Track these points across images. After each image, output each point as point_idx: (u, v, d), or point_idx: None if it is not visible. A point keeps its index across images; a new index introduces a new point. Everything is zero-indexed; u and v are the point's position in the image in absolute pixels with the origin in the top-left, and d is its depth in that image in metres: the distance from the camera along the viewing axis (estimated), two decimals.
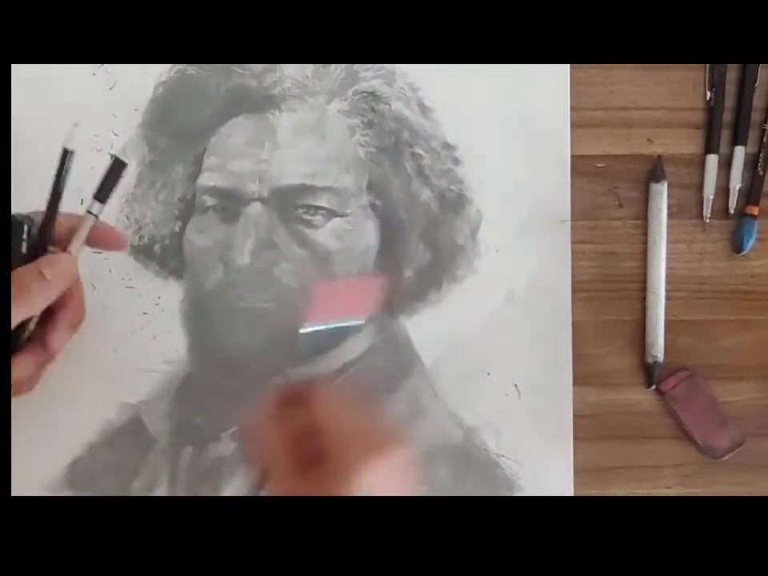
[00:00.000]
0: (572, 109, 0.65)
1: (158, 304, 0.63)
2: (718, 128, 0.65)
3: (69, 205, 0.57)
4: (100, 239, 0.58)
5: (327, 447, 0.51)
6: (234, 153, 0.63)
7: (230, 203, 0.63)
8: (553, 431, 0.63)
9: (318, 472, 0.51)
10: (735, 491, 0.63)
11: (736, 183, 0.65)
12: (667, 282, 0.64)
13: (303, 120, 0.63)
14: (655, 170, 0.65)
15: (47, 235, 0.56)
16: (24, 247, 0.56)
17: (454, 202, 0.64)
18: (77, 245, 0.56)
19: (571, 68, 0.65)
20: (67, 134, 0.55)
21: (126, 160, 0.56)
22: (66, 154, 0.55)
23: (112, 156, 0.56)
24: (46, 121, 0.63)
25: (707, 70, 0.66)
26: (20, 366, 0.57)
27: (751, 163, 0.65)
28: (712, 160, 0.65)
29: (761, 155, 0.65)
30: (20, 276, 0.55)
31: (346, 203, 0.63)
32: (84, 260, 0.58)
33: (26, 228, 0.56)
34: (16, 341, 0.56)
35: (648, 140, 0.65)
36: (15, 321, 0.56)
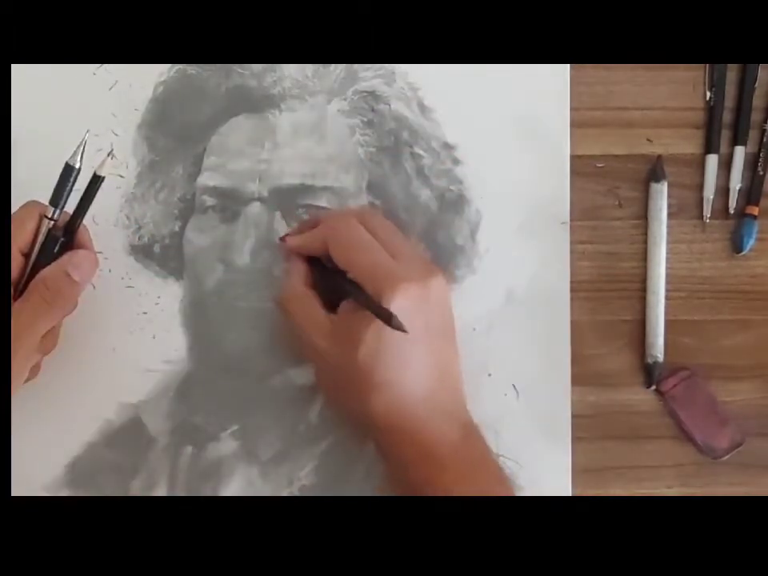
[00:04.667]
0: (572, 109, 0.65)
1: (157, 304, 0.63)
2: (717, 128, 0.65)
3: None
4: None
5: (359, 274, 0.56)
6: (234, 152, 0.63)
7: (230, 203, 0.63)
8: (552, 431, 0.63)
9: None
10: (735, 491, 0.63)
11: (736, 183, 0.65)
12: (667, 282, 0.64)
13: (303, 120, 0.63)
14: (655, 170, 0.65)
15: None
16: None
17: (454, 202, 0.64)
18: (37, 245, 0.58)
19: (571, 68, 0.65)
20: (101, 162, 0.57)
21: (76, 165, 0.56)
22: (96, 180, 0.57)
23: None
24: (46, 121, 0.63)
25: (707, 70, 0.66)
26: None
27: (751, 163, 0.65)
28: (712, 160, 0.65)
29: (761, 155, 0.65)
30: (50, 280, 0.57)
31: (346, 203, 0.63)
32: None
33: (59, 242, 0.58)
34: None
35: (648, 140, 0.65)
36: (50, 325, 0.57)
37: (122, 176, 0.63)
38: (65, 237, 0.58)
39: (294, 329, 0.59)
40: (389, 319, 0.53)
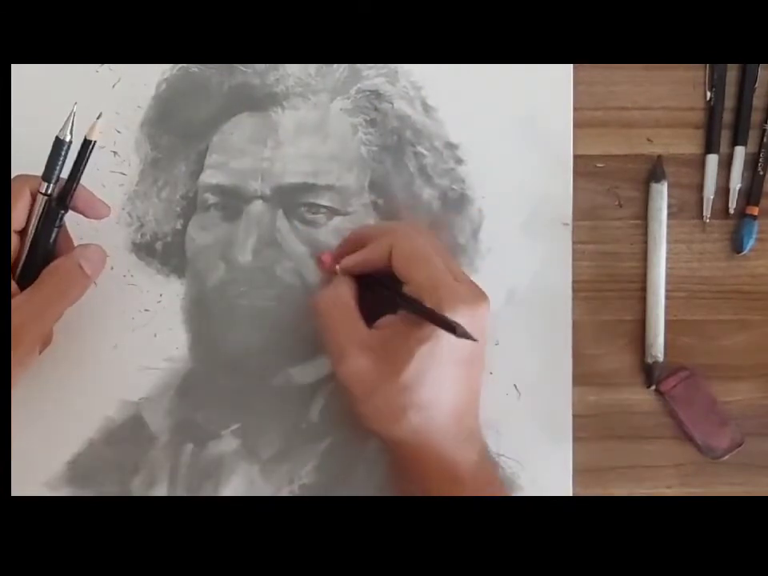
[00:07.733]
0: (572, 109, 0.65)
1: (159, 301, 0.63)
2: (717, 128, 0.65)
3: None
4: (82, 205, 0.58)
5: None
6: (237, 151, 0.63)
7: (232, 201, 0.63)
8: (553, 431, 0.63)
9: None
10: (735, 491, 0.63)
11: (736, 183, 0.65)
12: (667, 282, 0.64)
13: (306, 118, 0.63)
14: (655, 170, 0.65)
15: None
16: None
17: (456, 202, 0.64)
18: (33, 222, 0.57)
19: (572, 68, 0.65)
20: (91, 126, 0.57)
21: (67, 138, 0.56)
22: (87, 144, 0.57)
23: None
24: (47, 120, 0.63)
25: (707, 70, 0.66)
26: None
27: (751, 163, 0.65)
28: (712, 160, 0.65)
29: (761, 155, 0.65)
30: (64, 269, 0.56)
31: (348, 202, 0.63)
32: None
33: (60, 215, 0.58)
34: None
35: (648, 140, 0.66)
36: (59, 315, 0.57)
37: (124, 173, 0.63)
38: (61, 207, 0.57)
39: (330, 341, 0.57)
40: (454, 329, 0.52)
